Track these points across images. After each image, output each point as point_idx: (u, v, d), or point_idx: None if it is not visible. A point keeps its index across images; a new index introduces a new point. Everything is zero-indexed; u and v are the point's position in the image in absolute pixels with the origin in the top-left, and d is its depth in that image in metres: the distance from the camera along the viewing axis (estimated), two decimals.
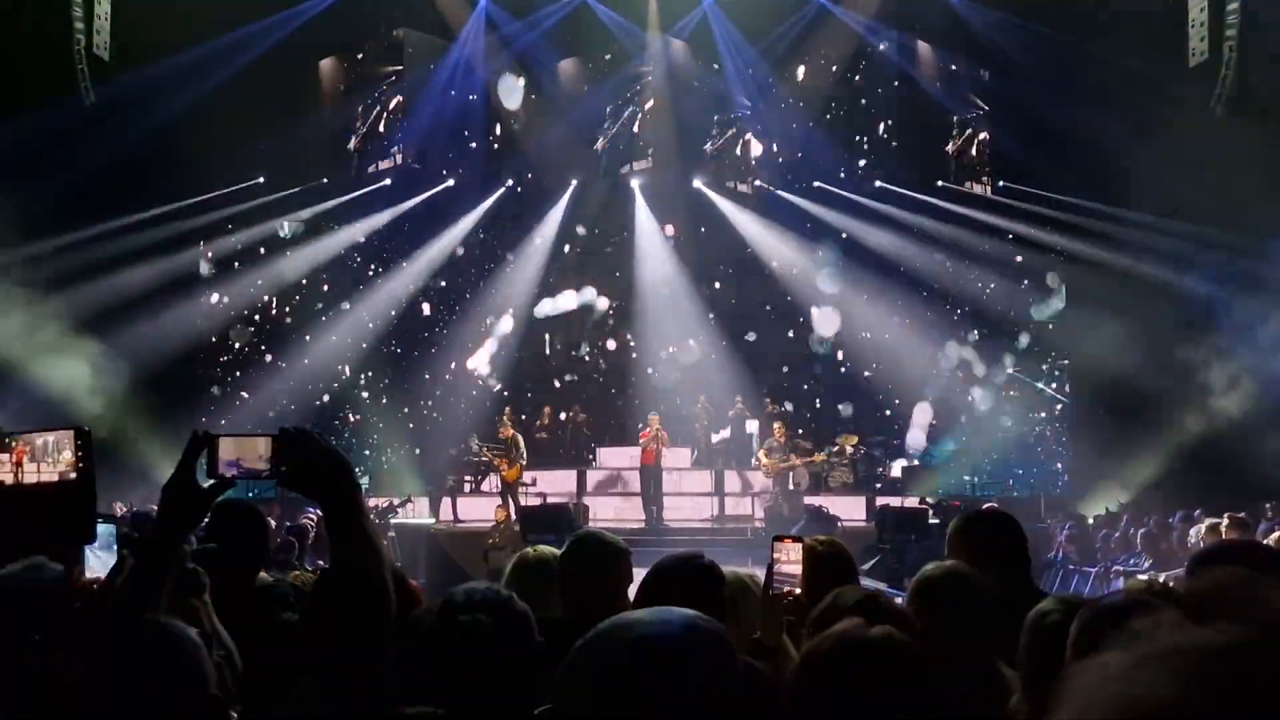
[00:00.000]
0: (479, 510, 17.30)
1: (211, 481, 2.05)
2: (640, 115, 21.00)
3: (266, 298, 21.54)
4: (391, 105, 21.65)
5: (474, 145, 21.97)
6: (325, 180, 21.48)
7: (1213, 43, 17.17)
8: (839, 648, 1.68)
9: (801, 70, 21.68)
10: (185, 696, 1.78)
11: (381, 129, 21.81)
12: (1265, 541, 6.69)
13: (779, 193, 21.55)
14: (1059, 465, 20.17)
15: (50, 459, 2.26)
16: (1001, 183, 21.14)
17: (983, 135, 21.54)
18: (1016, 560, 3.39)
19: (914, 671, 1.68)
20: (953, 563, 2.97)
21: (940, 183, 21.05)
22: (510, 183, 22.22)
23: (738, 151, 21.90)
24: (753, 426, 18.58)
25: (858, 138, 21.77)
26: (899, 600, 2.67)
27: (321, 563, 8.68)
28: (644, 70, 21.05)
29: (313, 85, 22.21)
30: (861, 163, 21.65)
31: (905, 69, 21.28)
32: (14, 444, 2.26)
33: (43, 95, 16.52)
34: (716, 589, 2.42)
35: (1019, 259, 20.33)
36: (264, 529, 4.15)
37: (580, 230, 22.08)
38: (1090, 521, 15.64)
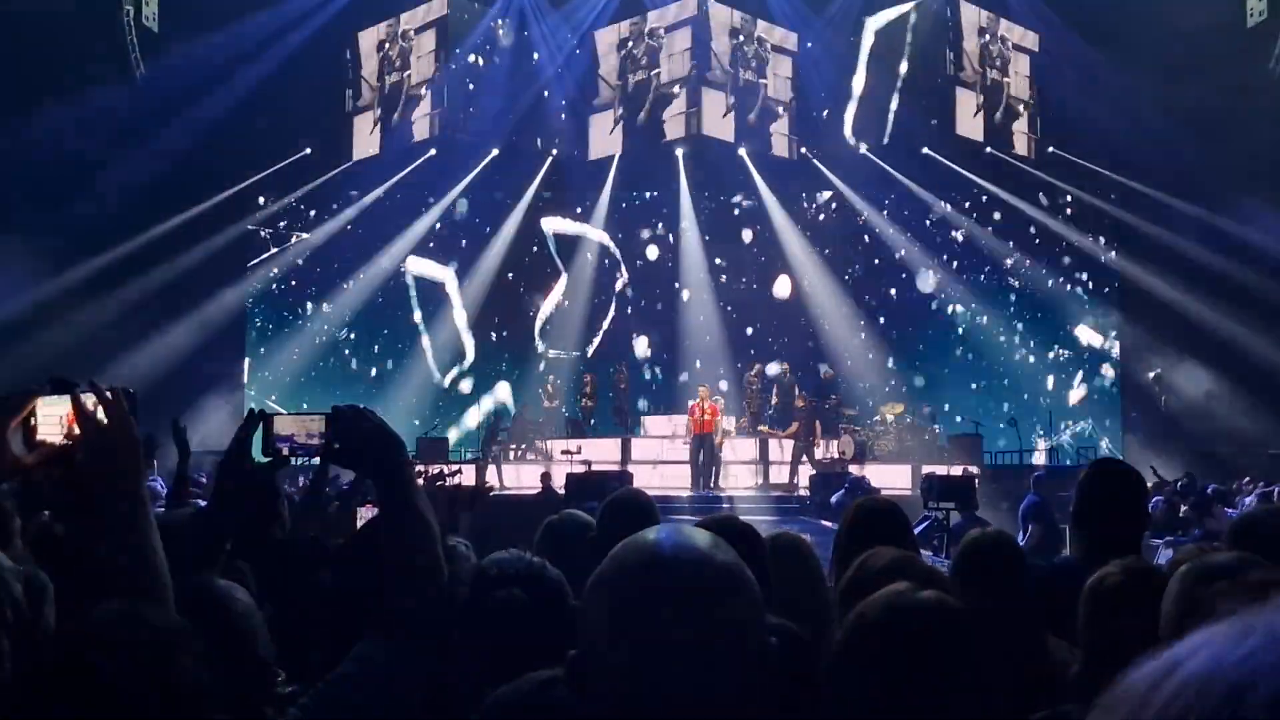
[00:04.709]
0: (524, 478, 17.43)
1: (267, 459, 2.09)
2: (689, 81, 20.74)
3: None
4: (433, 74, 21.52)
5: (516, 115, 21.88)
6: (376, 152, 21.62)
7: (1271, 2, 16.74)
8: (890, 612, 1.65)
9: (863, 31, 21.40)
10: (236, 655, 1.82)
11: (424, 98, 21.71)
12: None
13: (816, 163, 21.40)
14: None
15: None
16: (1050, 149, 20.82)
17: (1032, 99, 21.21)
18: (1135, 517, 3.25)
19: (966, 637, 1.66)
20: (996, 530, 2.94)
21: (990, 150, 20.75)
22: (555, 153, 22.18)
23: (783, 117, 21.60)
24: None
25: (916, 103, 21.35)
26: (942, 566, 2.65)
27: None
28: (691, 35, 20.79)
29: (355, 56, 22.18)
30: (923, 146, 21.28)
31: (958, 31, 20.90)
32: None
33: (93, 70, 16.66)
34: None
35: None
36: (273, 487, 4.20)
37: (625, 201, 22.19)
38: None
